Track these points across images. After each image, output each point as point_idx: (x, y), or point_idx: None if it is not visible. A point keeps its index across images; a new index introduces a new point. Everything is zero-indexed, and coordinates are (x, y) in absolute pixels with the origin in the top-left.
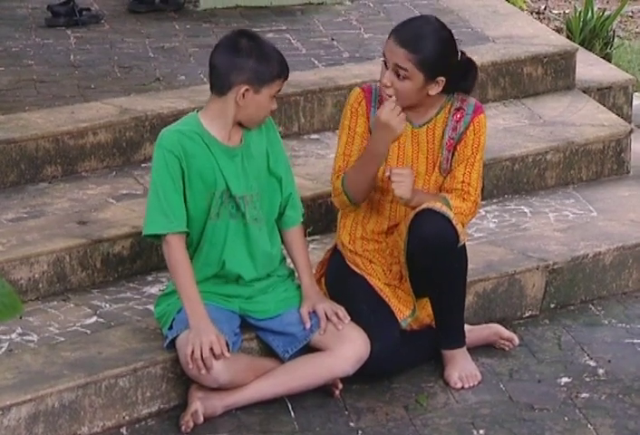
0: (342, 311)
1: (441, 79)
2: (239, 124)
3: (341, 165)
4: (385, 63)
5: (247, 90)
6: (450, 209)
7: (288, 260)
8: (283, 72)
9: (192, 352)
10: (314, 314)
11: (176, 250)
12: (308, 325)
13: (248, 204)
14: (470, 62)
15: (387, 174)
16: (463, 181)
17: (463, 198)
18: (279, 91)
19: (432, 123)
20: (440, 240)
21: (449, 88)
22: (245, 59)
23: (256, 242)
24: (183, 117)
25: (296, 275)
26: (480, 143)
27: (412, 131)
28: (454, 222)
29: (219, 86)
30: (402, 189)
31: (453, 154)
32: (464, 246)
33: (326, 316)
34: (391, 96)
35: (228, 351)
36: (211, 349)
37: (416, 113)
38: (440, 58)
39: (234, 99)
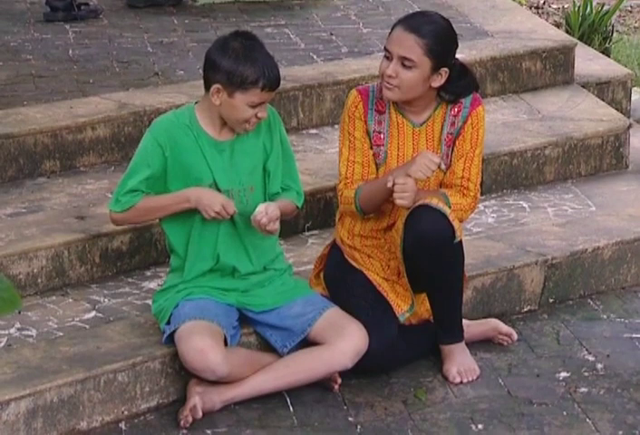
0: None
1: (445, 70)
2: None
3: (346, 172)
4: (387, 57)
5: (218, 90)
6: (449, 206)
7: (286, 255)
8: (258, 80)
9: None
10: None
11: (131, 210)
12: (261, 208)
13: (233, 198)
14: (463, 67)
15: (389, 185)
16: (463, 177)
17: (463, 194)
18: (263, 103)
19: (431, 120)
20: (436, 236)
21: (444, 91)
22: (223, 58)
23: (247, 235)
24: (181, 107)
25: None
26: (478, 137)
27: (412, 131)
28: (450, 218)
29: (204, 81)
30: (404, 201)
31: (453, 149)
32: (461, 241)
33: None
34: (393, 86)
35: (226, 345)
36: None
37: (415, 112)
38: (446, 45)
39: (210, 96)
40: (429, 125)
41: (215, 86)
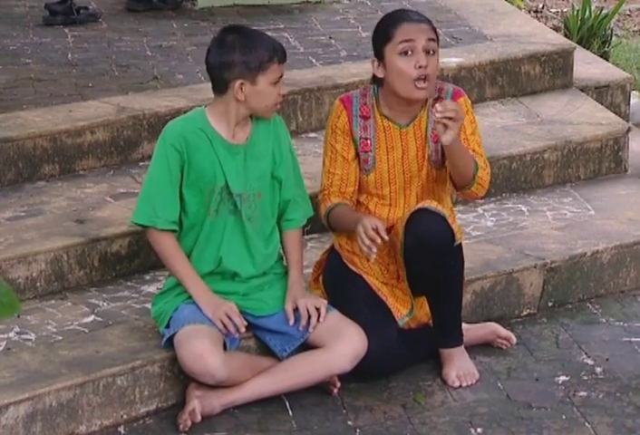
0: (324, 306)
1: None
2: (250, 117)
3: (327, 182)
4: (405, 53)
5: (242, 84)
6: (476, 169)
7: None
8: (273, 56)
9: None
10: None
11: (160, 242)
12: (292, 322)
13: (245, 202)
14: None
15: (436, 114)
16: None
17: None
18: (281, 76)
19: (418, 119)
20: (436, 238)
21: None
22: (230, 54)
23: (252, 240)
24: (190, 111)
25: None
26: (463, 123)
27: (400, 132)
28: (450, 221)
29: (217, 86)
30: (448, 136)
31: (441, 145)
32: (460, 244)
33: (308, 313)
34: (425, 80)
35: (226, 349)
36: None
37: (407, 112)
38: None
39: (233, 96)
40: (416, 124)
41: (237, 82)
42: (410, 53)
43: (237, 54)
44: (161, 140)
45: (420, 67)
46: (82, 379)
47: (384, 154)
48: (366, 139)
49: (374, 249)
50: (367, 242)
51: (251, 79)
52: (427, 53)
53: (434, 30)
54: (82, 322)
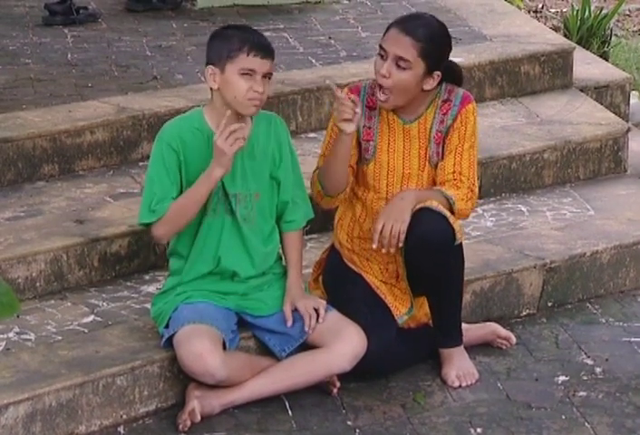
0: (323, 307)
1: (438, 73)
2: (251, 119)
3: (320, 165)
4: (382, 56)
5: (211, 71)
6: (449, 200)
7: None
8: (243, 46)
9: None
10: (297, 312)
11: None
12: (290, 323)
13: (240, 203)
14: (452, 64)
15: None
16: (454, 171)
17: (457, 186)
18: (253, 71)
19: (423, 118)
20: (437, 237)
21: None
22: (213, 42)
23: (250, 240)
24: (188, 111)
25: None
26: (466, 131)
27: (402, 128)
28: (451, 220)
29: (206, 78)
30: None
31: (443, 148)
32: (461, 244)
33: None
34: (385, 89)
35: (225, 349)
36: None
37: (407, 109)
38: (440, 49)
39: (209, 85)
40: (420, 122)
41: (208, 69)
42: (385, 58)
43: (215, 41)
44: (158, 140)
45: (383, 76)
46: (82, 379)
47: (385, 145)
48: (369, 128)
49: (358, 110)
50: (345, 104)
51: (221, 67)
52: (397, 65)
53: (420, 46)
54: (81, 322)
